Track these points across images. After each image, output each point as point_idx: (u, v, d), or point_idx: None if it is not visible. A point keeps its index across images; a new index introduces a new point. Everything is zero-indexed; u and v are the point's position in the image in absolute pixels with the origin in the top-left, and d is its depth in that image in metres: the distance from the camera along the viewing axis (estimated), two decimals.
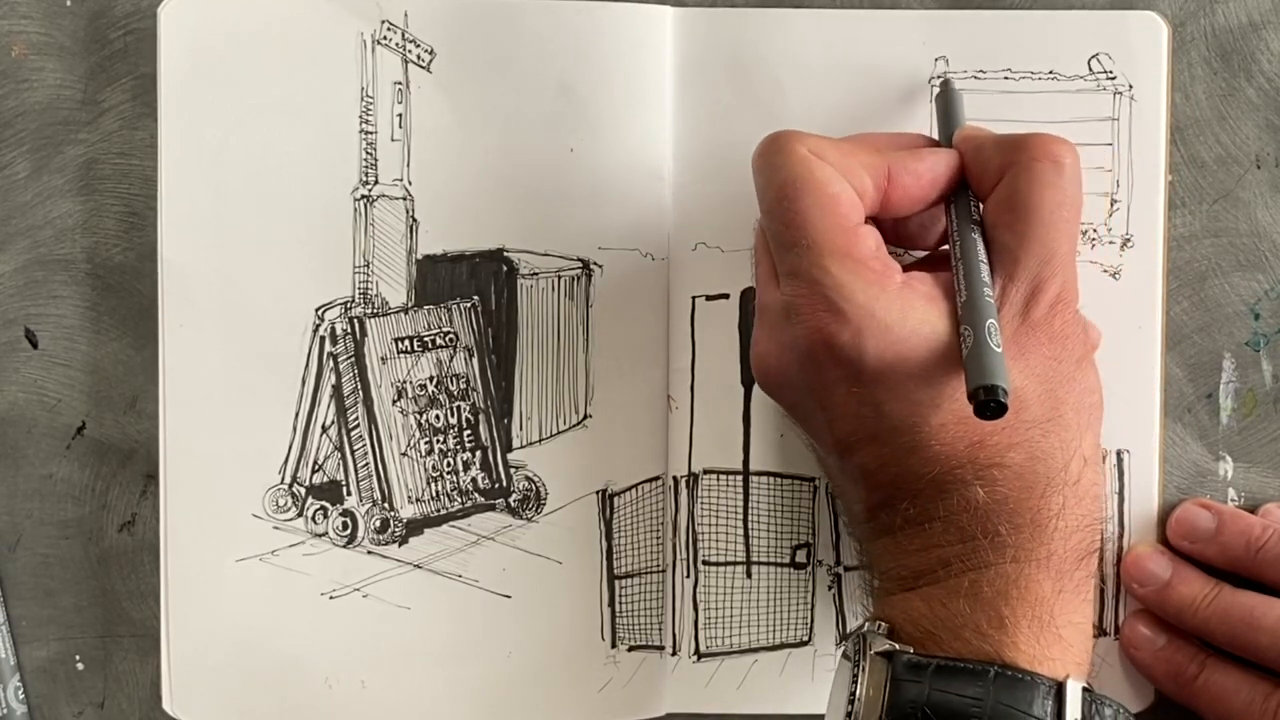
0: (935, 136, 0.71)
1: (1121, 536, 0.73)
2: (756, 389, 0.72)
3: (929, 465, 0.61)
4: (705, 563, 0.73)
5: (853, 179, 0.62)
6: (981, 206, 0.64)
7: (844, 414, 0.62)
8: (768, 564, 0.73)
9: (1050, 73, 0.72)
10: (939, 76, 0.72)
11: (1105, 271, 0.72)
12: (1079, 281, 0.63)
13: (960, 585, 0.60)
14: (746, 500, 0.73)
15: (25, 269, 0.72)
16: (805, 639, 0.74)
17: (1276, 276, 0.73)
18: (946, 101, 0.70)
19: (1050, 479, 0.61)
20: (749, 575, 0.73)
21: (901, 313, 0.60)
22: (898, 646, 0.60)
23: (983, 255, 0.62)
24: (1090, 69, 0.72)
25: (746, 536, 0.73)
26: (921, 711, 0.58)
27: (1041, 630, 0.60)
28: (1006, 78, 0.72)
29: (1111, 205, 0.72)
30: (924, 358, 0.60)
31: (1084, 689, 0.59)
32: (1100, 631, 0.73)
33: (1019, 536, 0.60)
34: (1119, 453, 0.73)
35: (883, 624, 0.61)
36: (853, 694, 0.59)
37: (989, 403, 0.56)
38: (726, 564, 0.73)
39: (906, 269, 0.63)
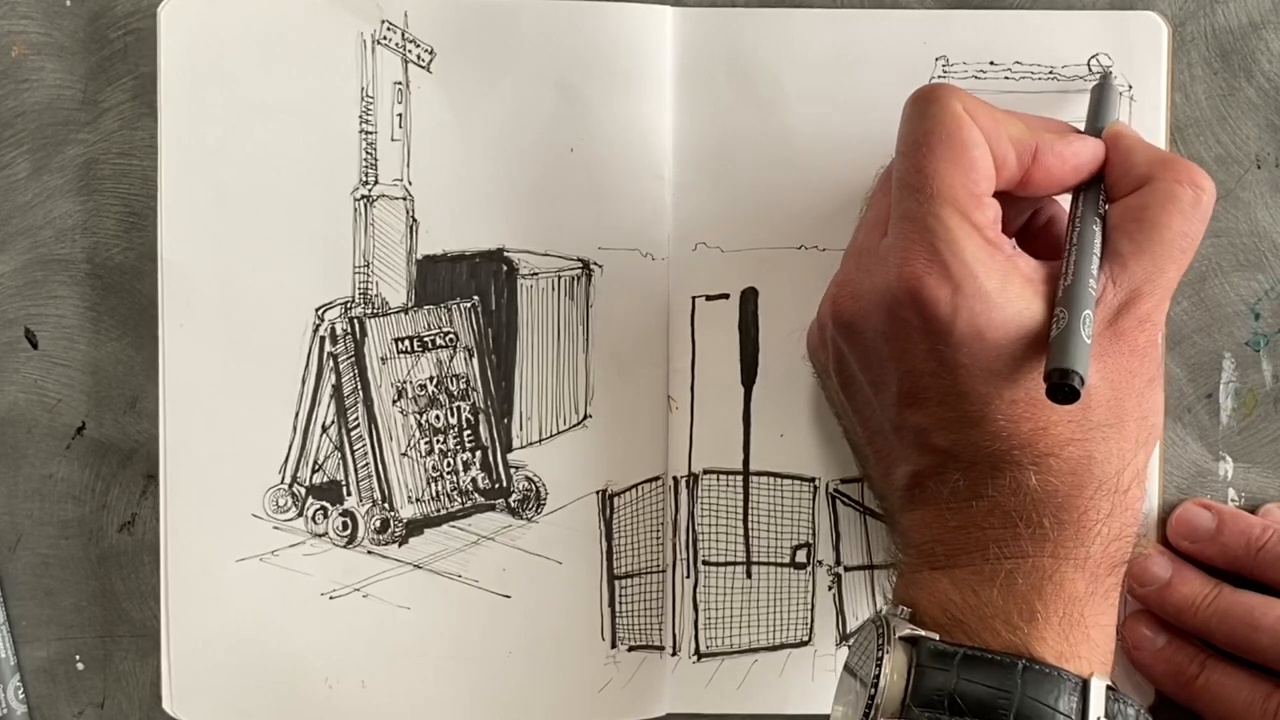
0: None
1: None
2: (756, 389, 0.72)
3: (989, 440, 0.60)
4: (705, 563, 0.73)
5: (997, 147, 0.62)
6: (1107, 205, 0.64)
7: (918, 369, 0.61)
8: (768, 564, 0.73)
9: (1050, 72, 0.72)
10: (940, 76, 0.72)
11: None
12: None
13: (995, 573, 0.60)
14: (746, 500, 0.73)
15: (25, 269, 0.72)
16: (805, 639, 0.74)
17: (1276, 276, 0.73)
18: (1102, 95, 0.69)
19: (1102, 482, 0.61)
20: (749, 575, 0.73)
21: (1002, 283, 0.60)
22: (924, 632, 0.59)
23: (1098, 249, 0.62)
24: (1090, 69, 0.72)
25: (746, 536, 0.73)
26: (950, 700, 0.58)
27: (1072, 628, 0.60)
28: (1007, 77, 0.72)
29: None
30: (1012, 332, 0.59)
31: (1108, 687, 0.59)
32: None
33: (1062, 532, 0.60)
34: None
35: (905, 609, 0.61)
36: (876, 678, 0.59)
37: (1064, 386, 0.56)
38: (726, 564, 0.73)
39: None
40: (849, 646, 0.63)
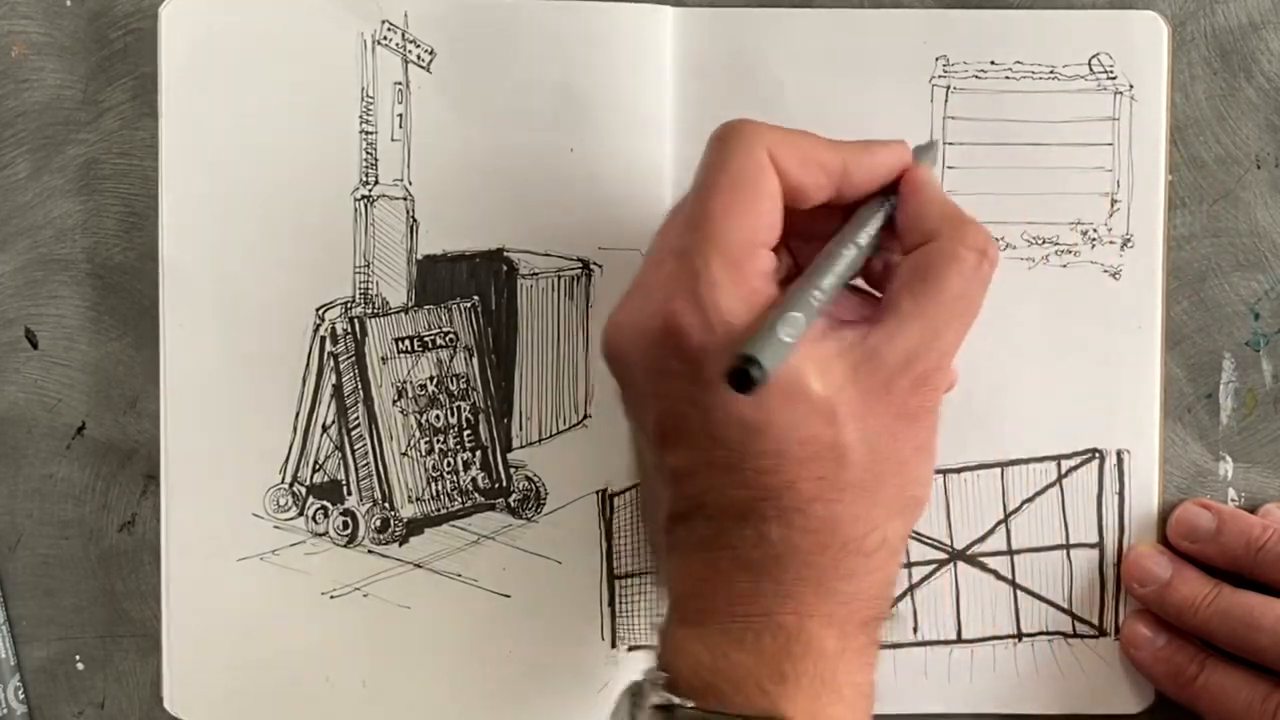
0: (936, 137, 0.71)
1: (1121, 536, 0.73)
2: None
3: (737, 488, 0.59)
4: None
5: (807, 178, 0.61)
6: (876, 238, 0.63)
7: (674, 409, 0.60)
8: None
9: (1050, 72, 0.72)
10: (940, 76, 0.72)
11: (1105, 271, 0.72)
12: (956, 365, 0.63)
13: (743, 635, 0.59)
14: None
15: (25, 269, 0.72)
16: None
17: (1276, 276, 0.73)
18: (926, 147, 0.68)
19: (845, 544, 0.59)
20: None
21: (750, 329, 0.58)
22: (676, 700, 0.58)
23: (841, 270, 0.60)
24: (1090, 69, 0.72)
25: None
26: None
27: (823, 688, 0.59)
28: (1007, 77, 0.72)
29: (1111, 205, 0.72)
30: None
31: None
32: (1100, 632, 0.73)
33: (803, 589, 0.59)
34: (1119, 453, 0.73)
35: (661, 675, 0.60)
36: None
37: (742, 370, 0.55)
38: None
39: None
40: (612, 714, 0.62)
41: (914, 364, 0.60)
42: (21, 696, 0.73)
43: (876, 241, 0.63)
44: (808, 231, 0.64)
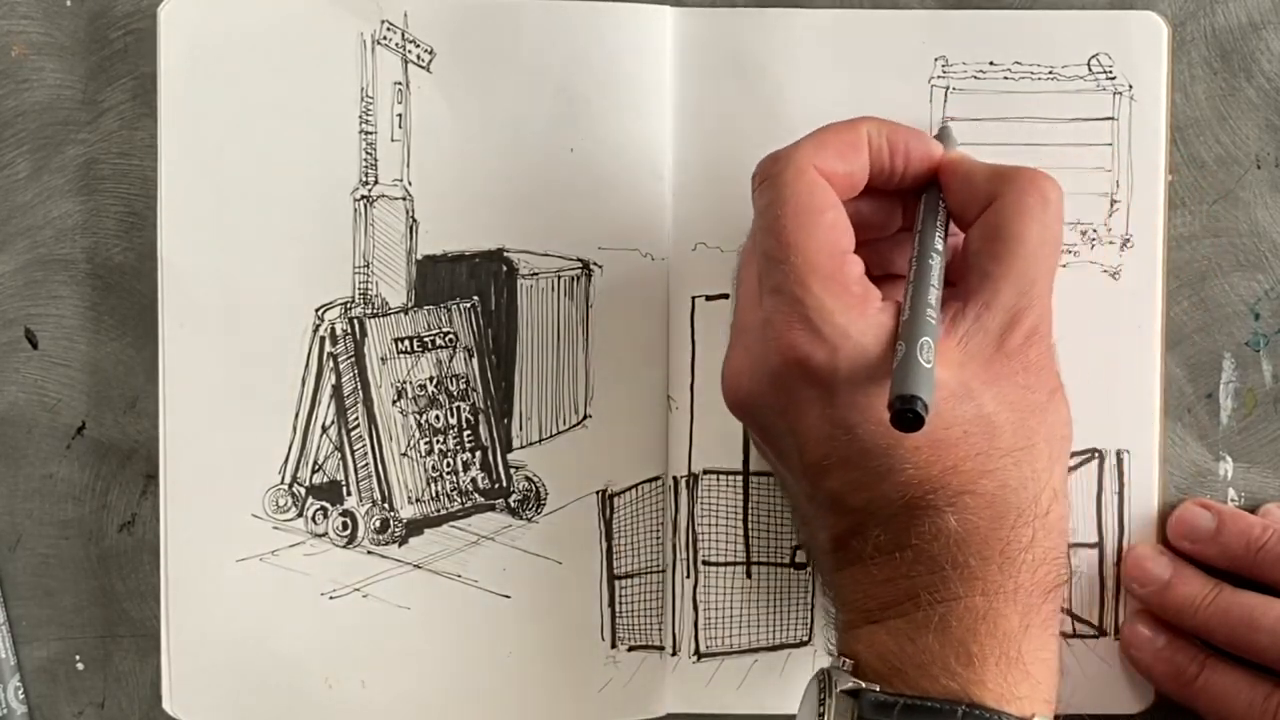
0: (944, 122, 0.72)
1: (1121, 536, 0.73)
2: None
3: (902, 490, 0.60)
4: (705, 563, 0.73)
5: (854, 165, 0.63)
6: (945, 235, 0.65)
7: (816, 436, 0.61)
8: (768, 564, 0.73)
9: (1050, 72, 0.72)
10: (939, 76, 0.72)
11: (1105, 271, 0.72)
12: (1054, 314, 0.64)
13: (929, 620, 0.60)
14: (746, 500, 0.73)
15: (25, 269, 0.72)
16: (805, 639, 0.73)
17: (1276, 276, 0.73)
18: (941, 133, 0.70)
19: (1021, 510, 0.61)
20: (749, 575, 0.73)
21: (877, 337, 0.60)
22: (864, 684, 0.60)
23: (936, 281, 0.62)
24: (1090, 69, 0.72)
25: (746, 537, 0.73)
26: None
27: (1010, 667, 0.60)
28: (1006, 77, 0.72)
29: (1111, 205, 0.72)
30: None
31: None
32: (1100, 632, 0.73)
33: (988, 568, 0.60)
34: (1119, 453, 0.73)
35: (848, 660, 0.61)
36: None
37: (906, 412, 0.56)
38: (726, 564, 0.73)
39: (885, 293, 0.63)
40: (799, 707, 0.63)
41: (1019, 320, 0.61)
42: (21, 696, 0.73)
43: (949, 240, 0.65)
44: (873, 236, 0.67)
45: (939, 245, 0.64)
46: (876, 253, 0.67)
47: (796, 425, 0.62)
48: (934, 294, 0.61)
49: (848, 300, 0.60)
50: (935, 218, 0.65)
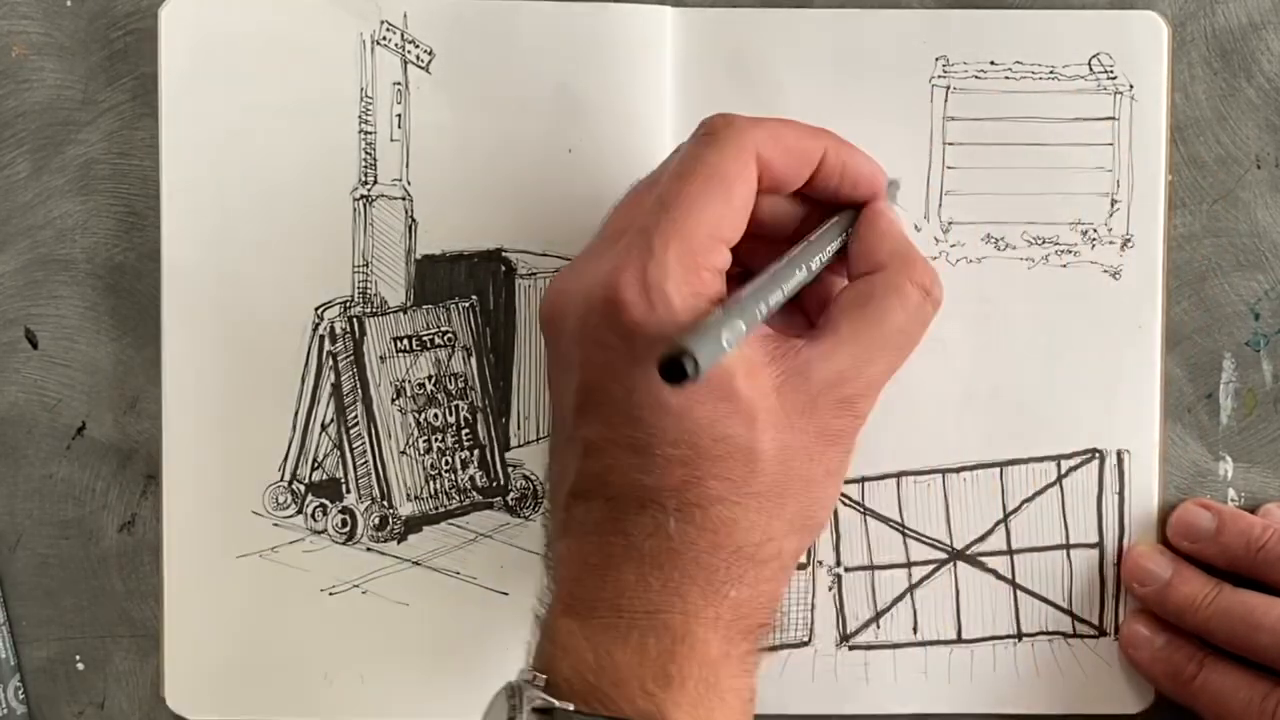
0: (934, 137, 0.72)
1: (1121, 536, 0.73)
2: None
3: (643, 473, 0.59)
4: None
5: (791, 167, 0.63)
6: (828, 260, 0.64)
7: (597, 381, 0.60)
8: None
9: (1050, 72, 0.72)
10: (940, 76, 0.72)
11: (1105, 271, 0.72)
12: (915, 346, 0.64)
13: (629, 634, 0.59)
14: None
15: (25, 269, 0.72)
16: (805, 639, 0.73)
17: (1276, 276, 0.73)
18: (890, 187, 0.69)
19: (740, 549, 0.59)
20: None
21: (696, 319, 0.58)
22: (557, 704, 0.58)
23: (788, 289, 0.61)
24: (1090, 69, 0.72)
25: None
26: None
27: (708, 692, 0.58)
28: (1007, 77, 0.72)
29: (1111, 205, 0.72)
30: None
31: None
32: (1100, 632, 0.73)
33: (690, 588, 0.59)
34: (1119, 453, 0.73)
35: (540, 676, 0.59)
36: None
37: (675, 361, 0.54)
38: None
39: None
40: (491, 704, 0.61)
41: (841, 386, 0.60)
42: (21, 696, 0.73)
43: (825, 267, 0.64)
44: (760, 232, 0.64)
45: (813, 265, 0.63)
46: (756, 248, 0.65)
47: (585, 361, 0.60)
48: (777, 298, 0.60)
49: (693, 280, 0.58)
50: (829, 243, 0.64)
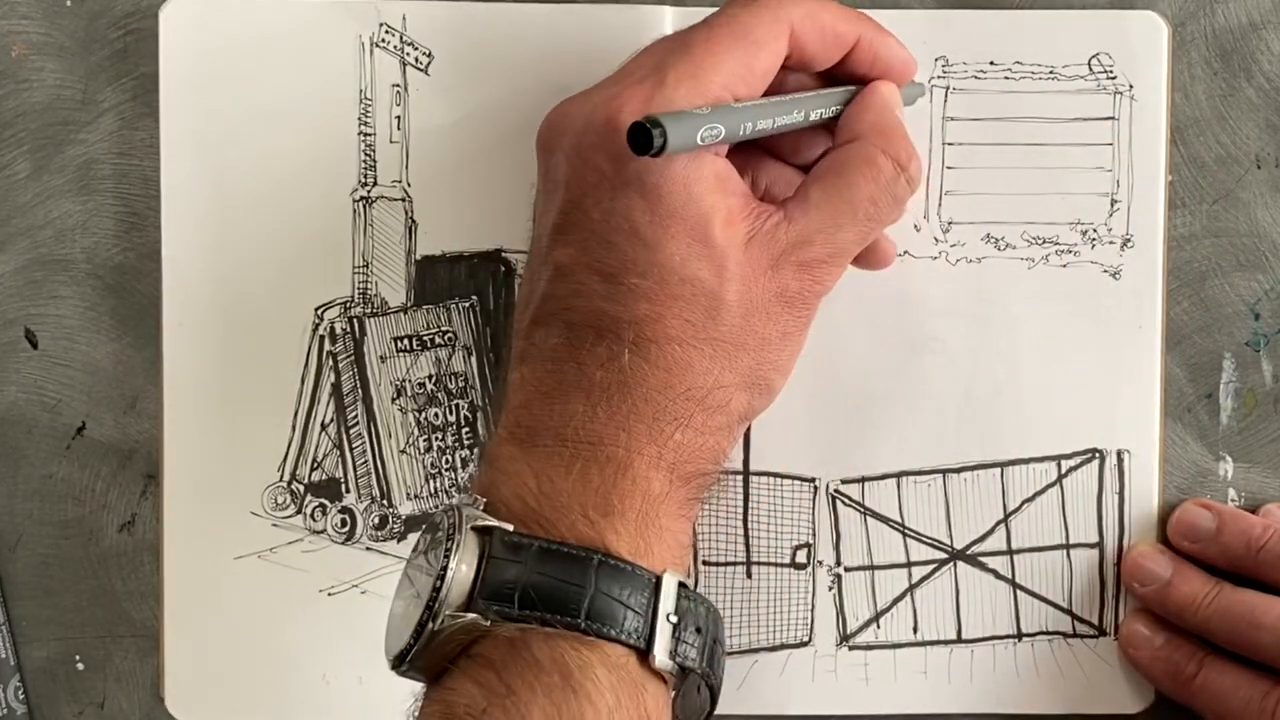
0: (933, 137, 0.72)
1: (1121, 536, 0.73)
2: None
3: (607, 300, 0.60)
4: (705, 563, 0.73)
5: (824, 48, 0.63)
6: (835, 114, 0.65)
7: (580, 200, 0.60)
8: (768, 564, 0.73)
9: (1050, 72, 0.72)
10: (940, 76, 0.72)
11: (1105, 271, 0.72)
12: (841, 278, 0.64)
13: (572, 464, 0.59)
14: (746, 500, 0.73)
15: (25, 269, 0.72)
16: (805, 639, 0.73)
17: (1276, 276, 0.73)
18: (914, 85, 0.69)
19: (690, 391, 0.60)
20: (749, 575, 0.73)
21: (689, 163, 0.59)
22: (496, 523, 0.58)
23: (775, 123, 0.61)
24: (1090, 69, 0.72)
25: (746, 536, 0.73)
26: (521, 593, 0.56)
27: (647, 526, 0.59)
28: (1007, 77, 0.72)
29: (1111, 205, 0.72)
30: (674, 208, 0.59)
31: (679, 583, 0.59)
32: (1100, 632, 0.73)
33: (637, 424, 0.59)
34: (1119, 453, 0.73)
35: (480, 499, 0.59)
36: (444, 569, 0.57)
37: (644, 128, 0.55)
38: (726, 564, 0.73)
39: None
40: (414, 548, 0.61)
41: (804, 249, 0.61)
42: (21, 696, 0.73)
43: (819, 123, 0.64)
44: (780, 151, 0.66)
45: (811, 114, 0.63)
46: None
47: (574, 179, 0.61)
48: (765, 124, 0.60)
49: (696, 124, 0.59)
50: (833, 103, 0.64)
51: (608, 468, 0.59)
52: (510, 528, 0.58)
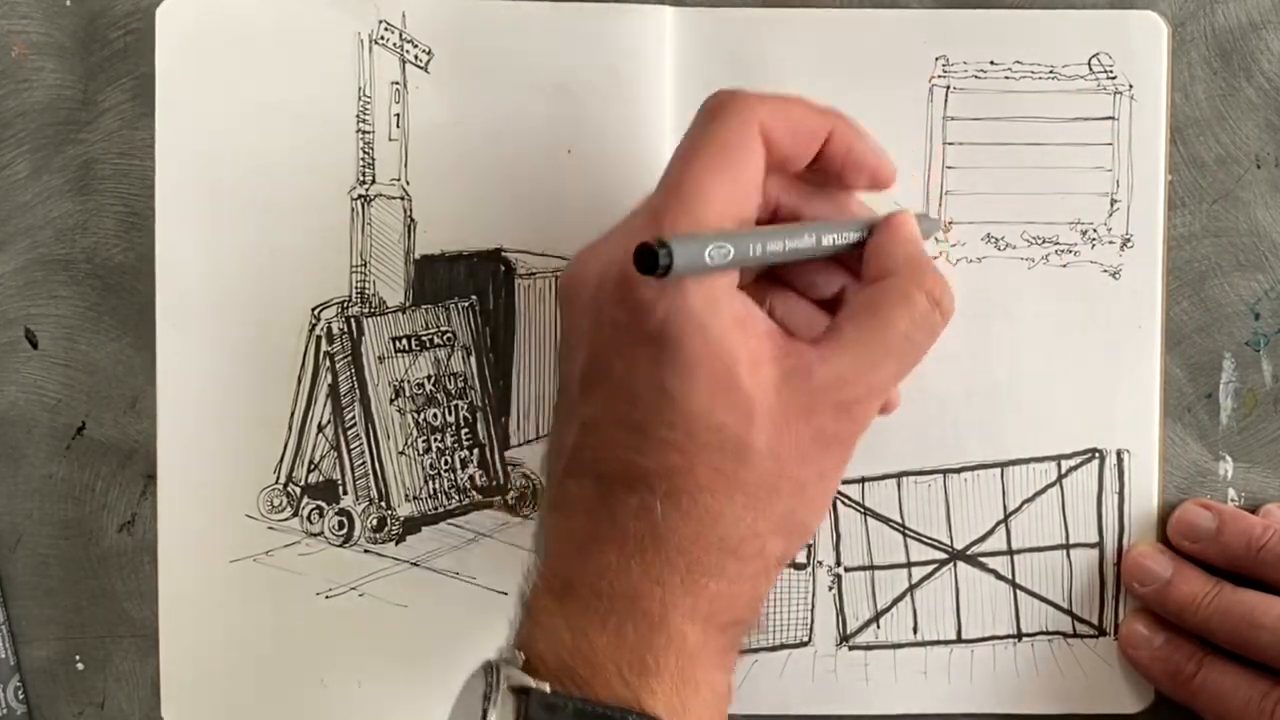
0: (933, 137, 0.72)
1: (1121, 536, 0.73)
2: None
3: (636, 453, 0.59)
4: None
5: (798, 145, 0.62)
6: (850, 240, 0.63)
7: (603, 356, 0.60)
8: None
9: (1050, 72, 0.72)
10: (940, 76, 0.72)
11: (1105, 271, 0.72)
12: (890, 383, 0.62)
13: (607, 619, 0.58)
14: None
15: (25, 269, 0.72)
16: (805, 639, 0.73)
17: (1276, 276, 0.73)
18: (923, 222, 0.68)
19: (724, 541, 0.59)
20: None
21: (705, 307, 0.58)
22: (534, 683, 0.57)
23: (789, 247, 0.60)
24: (1090, 69, 0.72)
25: None
26: None
27: (683, 683, 0.58)
28: (1007, 77, 0.72)
29: (1111, 205, 0.72)
30: (697, 354, 0.58)
31: None
32: (1100, 632, 0.73)
33: (672, 576, 0.59)
34: (1119, 453, 0.73)
35: (519, 654, 0.59)
36: None
37: (650, 250, 0.54)
38: None
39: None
40: (455, 702, 0.61)
41: (841, 389, 0.60)
42: (21, 696, 0.73)
43: (833, 252, 0.63)
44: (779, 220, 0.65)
45: (824, 240, 0.62)
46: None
47: (596, 337, 0.60)
48: (776, 246, 0.59)
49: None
50: (847, 230, 0.63)
51: (643, 623, 0.58)
52: (547, 688, 0.57)
